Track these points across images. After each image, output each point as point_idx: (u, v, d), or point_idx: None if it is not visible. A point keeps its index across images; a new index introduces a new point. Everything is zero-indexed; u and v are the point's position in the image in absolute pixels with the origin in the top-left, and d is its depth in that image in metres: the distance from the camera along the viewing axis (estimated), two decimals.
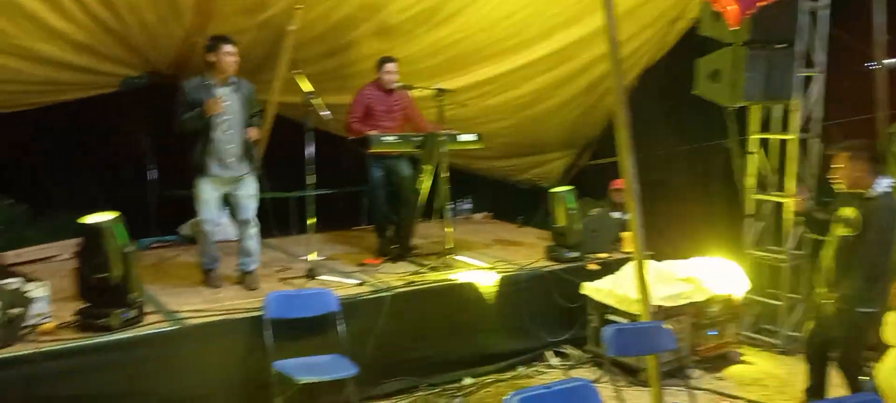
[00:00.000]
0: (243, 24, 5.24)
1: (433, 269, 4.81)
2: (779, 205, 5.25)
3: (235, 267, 4.55)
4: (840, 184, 3.59)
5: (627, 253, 5.21)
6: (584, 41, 6.00)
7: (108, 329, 3.48)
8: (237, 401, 3.79)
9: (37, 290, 3.56)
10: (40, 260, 5.08)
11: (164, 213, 6.30)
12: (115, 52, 5.42)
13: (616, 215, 5.69)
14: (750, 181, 5.34)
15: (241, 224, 4.47)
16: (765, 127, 5.30)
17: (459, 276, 4.65)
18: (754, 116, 5.29)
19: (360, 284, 4.46)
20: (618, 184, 5.83)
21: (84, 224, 3.52)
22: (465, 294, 4.59)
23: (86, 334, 3.46)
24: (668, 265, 4.92)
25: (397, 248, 5.19)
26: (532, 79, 6.39)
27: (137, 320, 3.65)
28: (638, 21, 6.15)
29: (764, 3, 3.78)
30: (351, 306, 4.08)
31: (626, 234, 5.32)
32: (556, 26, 5.88)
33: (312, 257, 4.66)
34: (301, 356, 3.80)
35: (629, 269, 4.57)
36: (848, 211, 3.49)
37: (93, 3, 4.64)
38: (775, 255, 5.15)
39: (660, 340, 3.44)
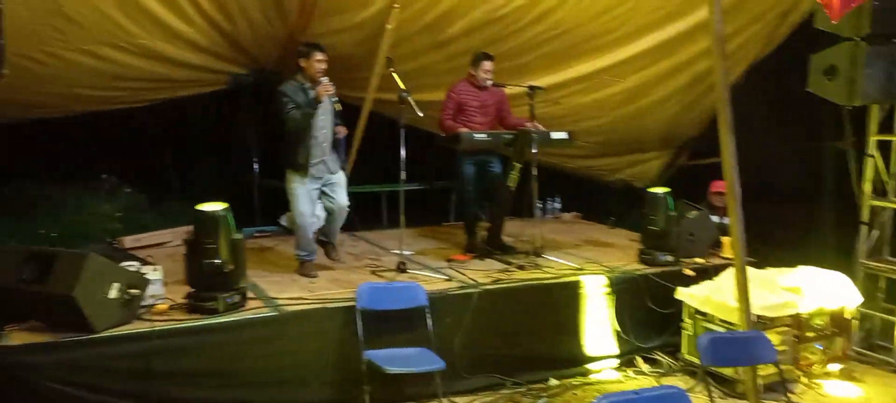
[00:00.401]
0: (342, 23, 5.42)
1: (521, 268, 4.80)
2: None
3: (318, 236, 4.84)
4: None
5: (727, 258, 4.98)
6: (685, 36, 5.77)
7: (214, 312, 3.72)
8: (329, 386, 3.94)
9: (152, 273, 3.85)
10: (155, 245, 5.46)
11: (266, 204, 6.64)
12: (226, 52, 5.77)
13: (715, 219, 5.45)
14: (867, 186, 4.96)
15: (332, 209, 4.73)
16: (886, 128, 4.91)
17: (585, 279, 4.64)
18: (874, 116, 4.91)
19: (448, 280, 4.52)
20: (718, 186, 5.58)
21: (200, 211, 3.76)
22: (553, 293, 4.56)
23: (194, 316, 3.71)
24: (771, 273, 4.65)
25: (485, 246, 5.20)
26: (629, 76, 6.21)
27: (240, 305, 3.86)
28: (745, 14, 5.84)
29: None
30: (439, 301, 4.14)
31: (725, 239, 5.09)
32: (657, 21, 5.69)
33: (402, 251, 4.77)
34: (390, 347, 3.91)
35: (728, 276, 4.37)
36: None
37: (208, 6, 4.96)
38: (892, 267, 4.77)
39: (758, 351, 3.29)
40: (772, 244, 5.39)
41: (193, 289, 3.81)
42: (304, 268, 4.67)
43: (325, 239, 4.90)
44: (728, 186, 3.68)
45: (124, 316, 3.53)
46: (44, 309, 3.47)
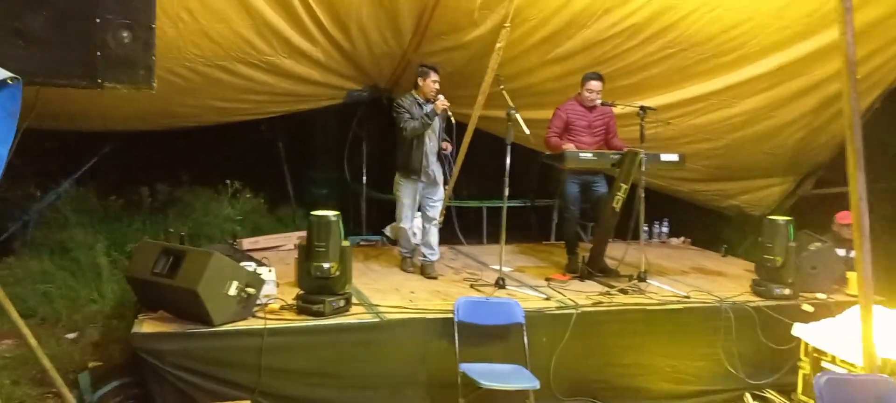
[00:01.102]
0: (454, 41, 5.57)
1: (623, 292, 4.67)
2: None
3: (419, 257, 5.28)
4: None
5: (851, 295, 4.60)
6: (814, 56, 5.44)
7: (320, 314, 3.91)
8: (425, 393, 4.02)
9: (267, 274, 4.11)
10: (270, 248, 5.80)
11: (372, 214, 6.90)
12: (344, 69, 6.08)
13: (841, 252, 5.05)
14: None
15: (428, 220, 5.19)
16: None
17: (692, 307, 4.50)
18: None
19: (547, 299, 4.48)
20: (845, 217, 5.18)
21: (314, 216, 3.97)
22: (656, 320, 4.40)
23: (302, 317, 3.92)
24: None
25: (587, 267, 5.12)
26: (749, 98, 5.93)
27: (345, 309, 4.03)
28: (883, 35, 5.43)
29: None
30: (536, 319, 4.13)
31: (851, 275, 4.70)
32: (782, 41, 5.42)
33: (502, 267, 4.80)
34: (485, 362, 3.93)
35: (853, 314, 4.03)
36: None
37: (330, 25, 5.25)
38: None
39: (883, 397, 3.01)
40: None
41: (302, 292, 4.02)
42: (404, 263, 5.28)
43: (423, 259, 5.22)
44: (855, 219, 3.43)
45: (240, 312, 3.78)
46: (172, 300, 3.78)
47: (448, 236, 5.38)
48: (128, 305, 4.76)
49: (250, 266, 4.16)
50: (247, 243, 5.73)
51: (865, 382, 3.06)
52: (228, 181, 6.36)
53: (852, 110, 3.42)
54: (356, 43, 5.62)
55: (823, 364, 4.10)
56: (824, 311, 4.47)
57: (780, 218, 4.83)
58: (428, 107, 4.94)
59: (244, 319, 3.79)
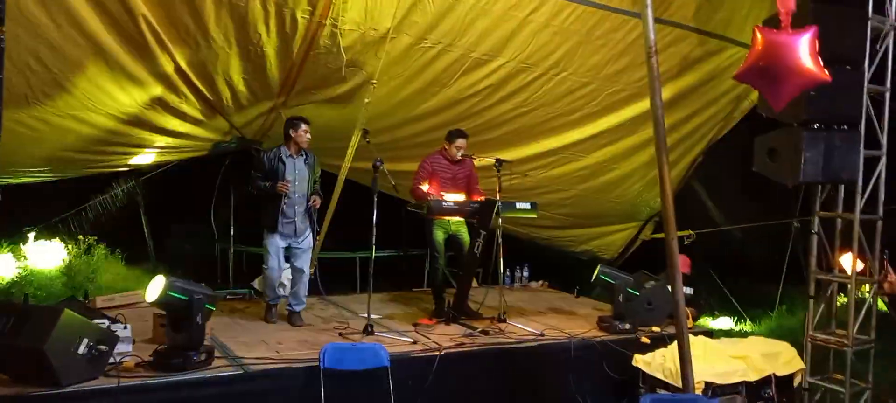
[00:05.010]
0: (321, 96, 5.72)
1: (484, 333, 4.94)
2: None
3: (286, 306, 5.24)
4: None
5: (689, 328, 5.16)
6: (645, 116, 6.12)
7: (180, 369, 3.82)
8: None
9: (122, 331, 3.96)
10: (127, 305, 5.52)
11: (239, 267, 6.78)
12: (211, 121, 5.98)
13: None
14: (812, 260, 5.20)
15: (297, 271, 5.16)
16: (828, 205, 5.17)
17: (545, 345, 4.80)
18: (818, 195, 5.19)
19: (413, 343, 4.65)
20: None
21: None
22: (514, 359, 4.69)
23: (160, 372, 3.80)
24: (723, 343, 4.84)
25: (452, 310, 5.35)
26: (594, 152, 6.54)
27: (207, 363, 3.97)
28: (702, 97, 6.25)
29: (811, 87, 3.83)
30: (401, 363, 4.26)
31: (689, 309, 5.28)
32: (619, 101, 6.07)
33: (370, 315, 4.91)
34: None
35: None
36: None
37: (196, 78, 5.15)
38: (839, 339, 4.95)
39: None
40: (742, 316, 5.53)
41: (161, 347, 3.91)
42: (269, 313, 5.20)
43: (290, 308, 5.21)
44: (669, 259, 3.92)
45: (91, 371, 3.61)
46: (13, 362, 3.55)
47: (317, 286, 5.41)
48: None
49: (103, 322, 4.00)
50: (101, 301, 5.43)
51: (684, 401, 3.47)
52: (81, 237, 6.01)
53: (663, 166, 3.96)
54: (223, 95, 5.59)
55: (658, 390, 4.56)
56: (659, 343, 4.97)
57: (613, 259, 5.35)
58: (291, 163, 4.99)
59: (95, 378, 3.62)
